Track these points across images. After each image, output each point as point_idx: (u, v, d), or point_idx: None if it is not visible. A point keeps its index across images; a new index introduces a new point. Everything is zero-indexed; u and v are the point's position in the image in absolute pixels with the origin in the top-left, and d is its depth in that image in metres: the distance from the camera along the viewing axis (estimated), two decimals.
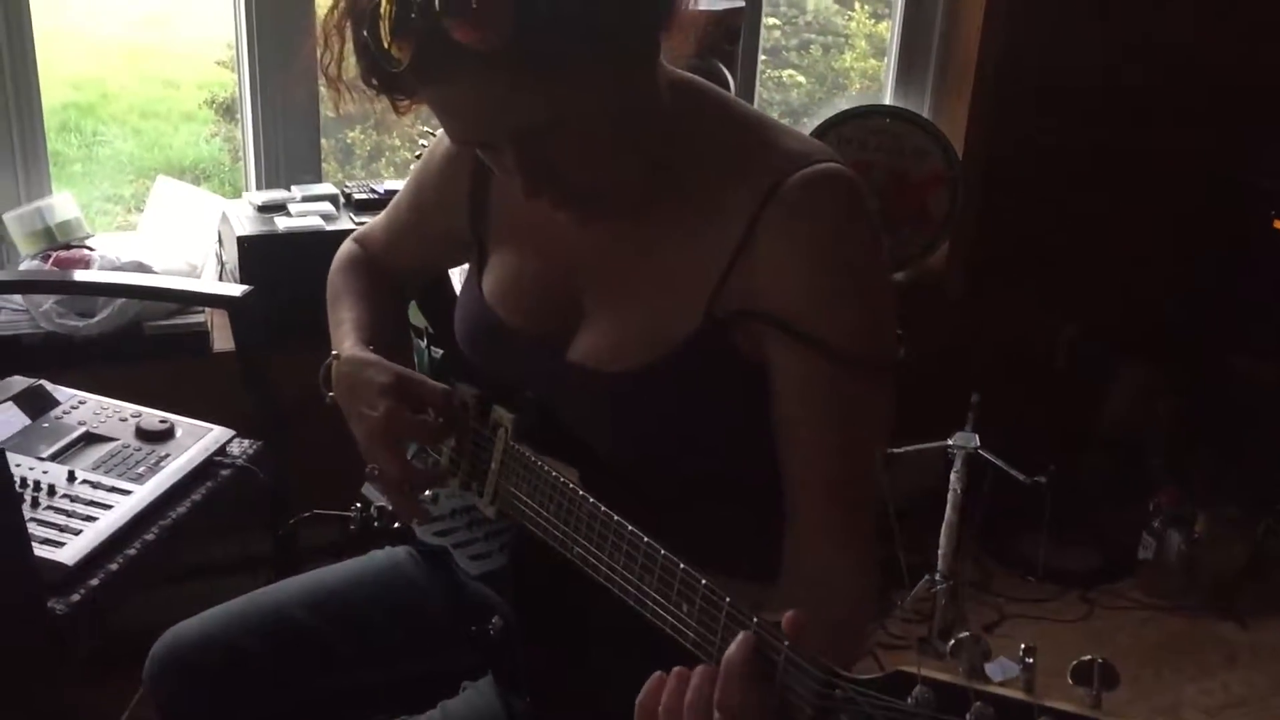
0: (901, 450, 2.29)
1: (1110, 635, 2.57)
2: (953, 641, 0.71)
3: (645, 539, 0.95)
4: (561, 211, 1.03)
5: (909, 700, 0.70)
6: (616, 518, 0.98)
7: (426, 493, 1.24)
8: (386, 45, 0.91)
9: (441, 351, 1.35)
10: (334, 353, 1.23)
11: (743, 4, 2.32)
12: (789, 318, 1.01)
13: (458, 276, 1.40)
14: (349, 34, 0.97)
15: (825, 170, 1.02)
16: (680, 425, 1.08)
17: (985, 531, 2.64)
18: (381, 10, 0.90)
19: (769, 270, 1.01)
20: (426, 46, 0.90)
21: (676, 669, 0.86)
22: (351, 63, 0.98)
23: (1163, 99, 2.77)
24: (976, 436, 2.35)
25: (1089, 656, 0.65)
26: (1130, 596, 2.69)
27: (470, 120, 0.98)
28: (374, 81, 0.96)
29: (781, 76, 3.12)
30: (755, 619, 0.83)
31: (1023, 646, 0.69)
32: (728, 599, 0.86)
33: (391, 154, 3.13)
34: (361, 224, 2.14)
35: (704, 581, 0.89)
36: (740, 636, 0.83)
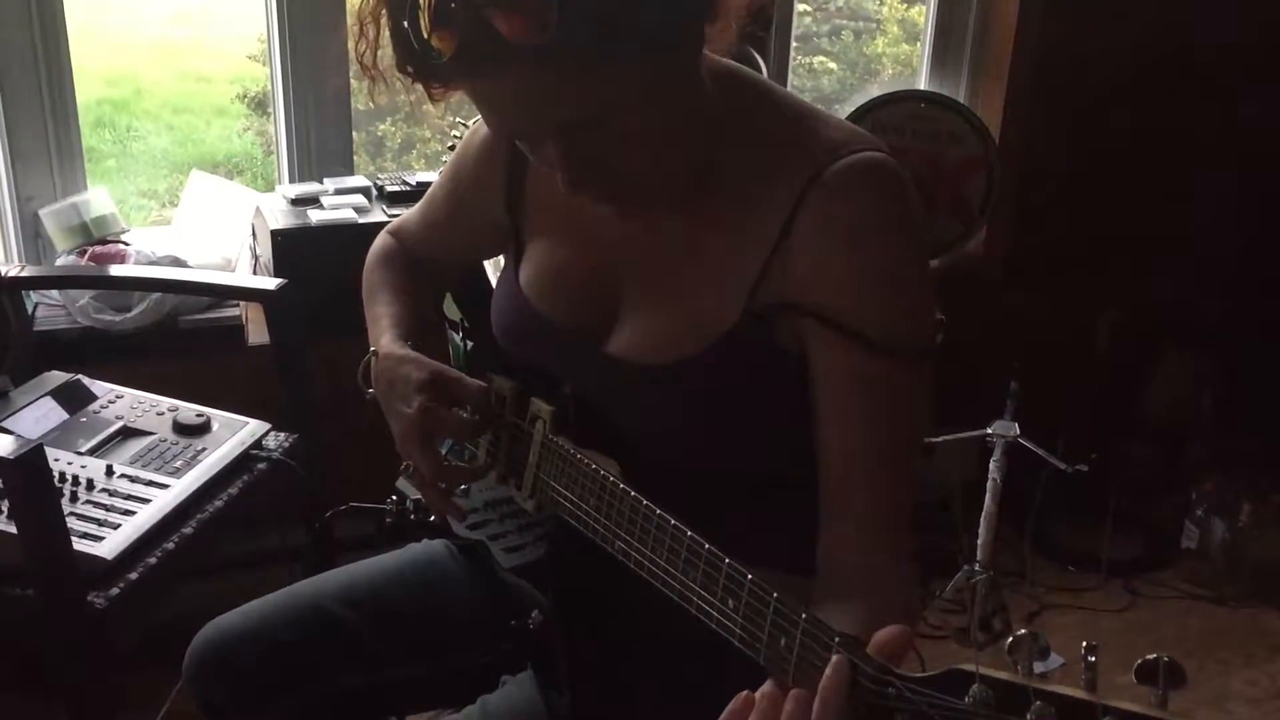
0: (940, 439, 2.26)
1: (1153, 625, 2.53)
2: (1010, 639, 0.69)
3: (689, 533, 0.93)
4: (603, 205, 1.02)
5: (966, 699, 0.68)
6: (659, 511, 0.96)
7: (461, 485, 1.23)
8: (427, 36, 0.90)
9: (475, 344, 1.34)
10: (372, 349, 1.22)
11: None
12: (828, 309, 0.99)
13: (492, 268, 1.39)
14: (385, 23, 0.95)
15: (864, 159, 1.00)
16: (720, 419, 1.06)
17: (1025, 520, 2.61)
18: (421, 1, 0.89)
19: (808, 261, 1.00)
20: (469, 38, 0.89)
21: (766, 690, 0.83)
22: (387, 51, 0.97)
23: (1205, 81, 2.73)
24: (1016, 425, 2.32)
25: (1154, 655, 0.63)
26: (1173, 586, 2.65)
27: (512, 113, 0.97)
28: (410, 70, 0.95)
29: (813, 63, 3.09)
30: (837, 638, 0.80)
31: (1084, 644, 0.67)
32: (775, 594, 0.85)
33: (423, 146, 3.12)
34: (394, 216, 2.14)
35: (750, 577, 0.87)
36: (835, 661, 0.79)
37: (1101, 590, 2.62)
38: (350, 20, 1.00)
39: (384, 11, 0.95)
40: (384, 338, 1.22)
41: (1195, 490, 2.69)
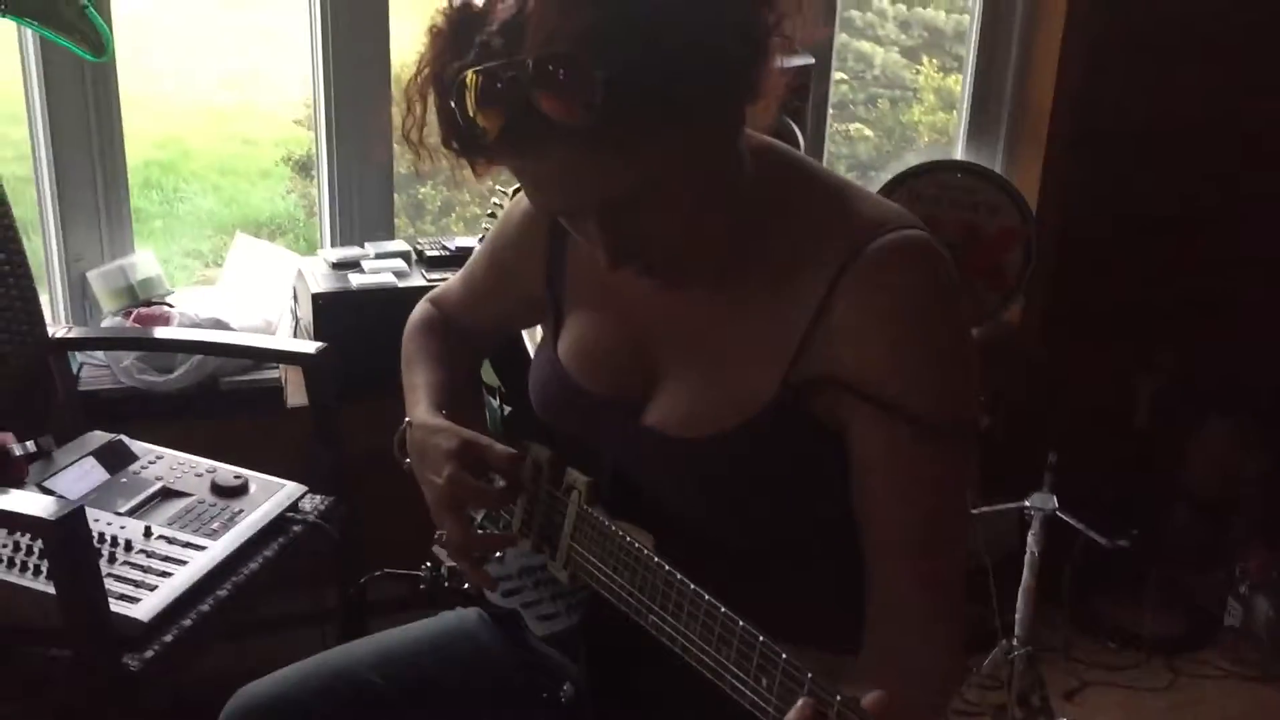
0: (977, 511, 2.24)
1: (1194, 705, 2.48)
2: None
3: (723, 609, 0.93)
4: (644, 279, 1.03)
5: None
6: (693, 586, 0.96)
7: (496, 553, 1.23)
8: (473, 115, 0.92)
9: (511, 409, 1.34)
10: (407, 419, 1.23)
11: (812, 60, 2.32)
12: (868, 386, 0.99)
13: (529, 336, 1.40)
14: (432, 99, 0.97)
15: (902, 238, 1.01)
16: (757, 493, 1.06)
17: (1065, 596, 2.57)
18: (468, 81, 0.91)
19: (847, 338, 1.00)
20: (514, 118, 0.90)
21: None
22: (432, 126, 0.98)
23: (1244, 148, 2.72)
24: (1054, 497, 2.29)
25: None
26: (1216, 665, 2.60)
27: (556, 191, 0.98)
28: (454, 146, 0.97)
29: (849, 130, 3.11)
30: (839, 696, 0.81)
31: None
32: (809, 674, 0.84)
33: (462, 209, 3.16)
34: (434, 280, 2.17)
35: (784, 656, 0.86)
36: (800, 702, 0.82)
37: (1142, 667, 2.57)
38: (396, 92, 1.02)
39: (431, 90, 0.97)
40: (419, 407, 1.23)
41: (1239, 566, 2.64)
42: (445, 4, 0.97)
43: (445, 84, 0.94)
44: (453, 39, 0.95)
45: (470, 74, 0.91)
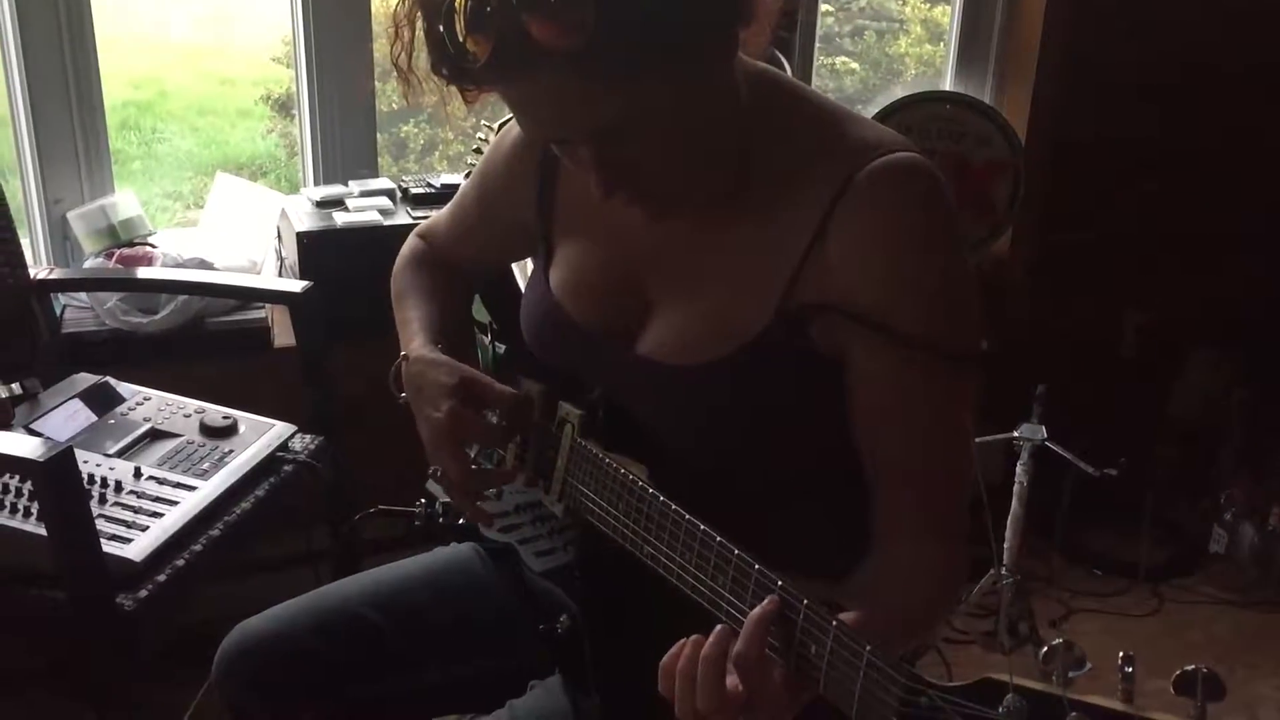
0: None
1: (1181, 630, 2.52)
2: (1045, 649, 0.68)
3: (718, 538, 0.93)
4: (637, 208, 1.02)
5: (1000, 709, 0.68)
6: (688, 516, 0.96)
7: (490, 490, 1.23)
8: (462, 40, 0.90)
9: (504, 347, 1.34)
10: (403, 353, 1.22)
11: None
12: (866, 310, 0.98)
13: (520, 271, 1.39)
14: (420, 26, 0.95)
15: (899, 160, 1.00)
16: (752, 420, 1.06)
17: (1052, 524, 2.60)
18: (458, 5, 0.89)
19: (844, 262, 0.99)
20: (504, 43, 0.88)
21: (696, 636, 0.88)
22: (421, 54, 0.96)
23: (1234, 79, 2.71)
24: (1043, 428, 2.31)
25: (1193, 666, 0.62)
26: (1201, 591, 2.63)
27: (547, 117, 0.97)
28: (444, 73, 0.95)
29: (835, 64, 3.08)
30: (836, 621, 0.81)
31: (1120, 654, 0.66)
32: (805, 600, 0.84)
33: (445, 147, 3.13)
34: (419, 218, 2.15)
35: (780, 583, 0.87)
36: (768, 598, 0.84)
37: (1129, 594, 2.61)
38: (384, 24, 1.00)
39: (419, 15, 0.95)
40: (414, 341, 1.22)
41: (1224, 494, 2.67)
42: None
43: (434, 8, 0.92)
44: None
45: None
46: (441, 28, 0.91)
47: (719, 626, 0.88)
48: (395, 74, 1.00)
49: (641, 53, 0.90)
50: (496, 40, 0.88)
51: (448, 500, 1.32)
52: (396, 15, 0.96)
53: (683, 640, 0.88)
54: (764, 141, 1.04)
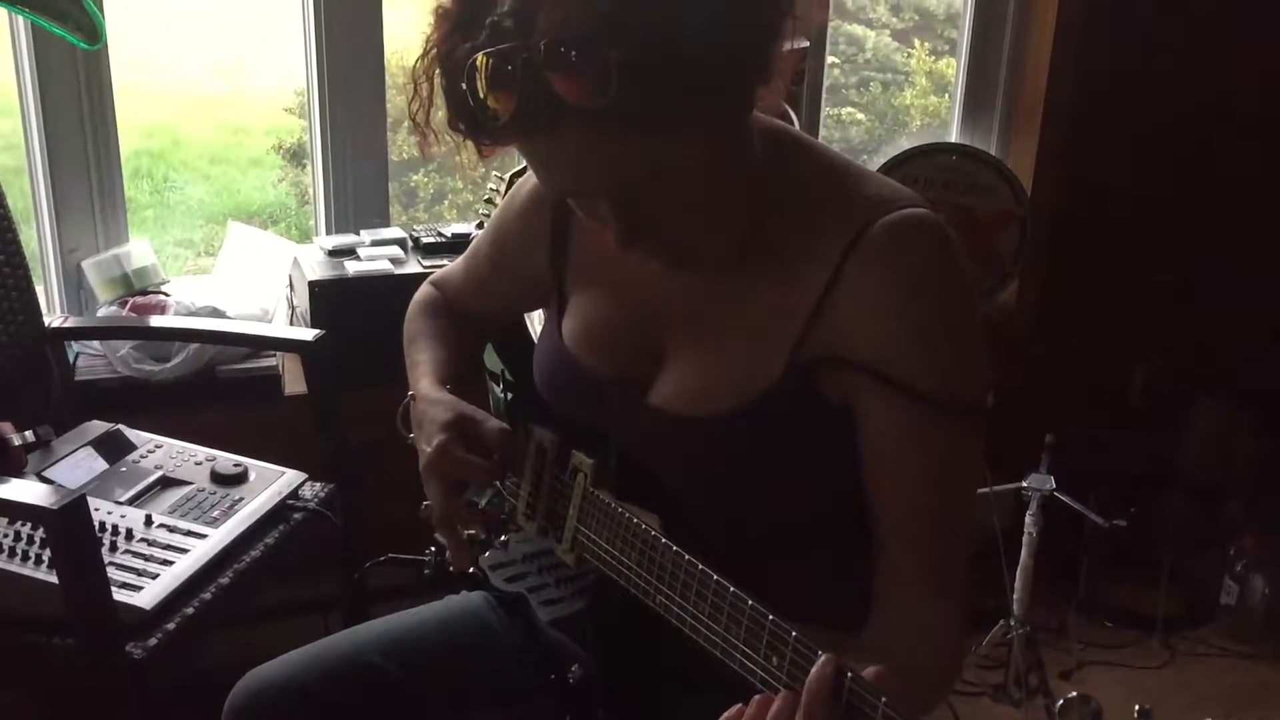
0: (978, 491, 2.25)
1: (1191, 683, 2.49)
2: (1061, 702, 0.68)
3: (731, 588, 0.93)
4: (654, 261, 1.03)
5: None
6: (701, 566, 0.96)
7: (500, 538, 1.23)
8: (483, 97, 0.91)
9: (513, 395, 1.34)
10: (410, 394, 1.23)
11: (808, 44, 2.32)
12: (876, 363, 0.99)
13: (533, 321, 1.40)
14: (439, 81, 0.97)
15: (909, 215, 1.01)
16: (765, 471, 1.06)
17: (1063, 575, 2.58)
18: (479, 63, 0.90)
19: (855, 316, 1.00)
20: (527, 100, 0.89)
21: (758, 697, 0.86)
22: (439, 107, 0.98)
23: (1240, 130, 2.73)
24: (1052, 478, 2.30)
25: (1205, 719, 0.62)
26: (1212, 643, 2.61)
27: (567, 173, 0.98)
28: (462, 127, 0.96)
29: (841, 114, 3.11)
30: (850, 674, 0.81)
31: (1136, 708, 0.66)
32: (820, 653, 0.84)
33: (455, 196, 3.16)
34: (430, 267, 2.17)
35: (794, 634, 0.87)
36: (822, 659, 0.82)
37: (1140, 646, 2.59)
38: (399, 76, 1.01)
39: (438, 71, 0.96)
40: (422, 381, 1.24)
41: (1234, 546, 2.66)
42: None
43: (454, 65, 0.93)
44: (461, 20, 0.94)
45: (481, 56, 0.90)
46: (463, 85, 0.92)
47: (783, 694, 0.85)
48: (410, 126, 1.02)
49: (662, 110, 0.91)
50: (519, 97, 0.90)
51: None
52: (415, 71, 0.98)
53: (736, 707, 0.87)
54: (778, 196, 1.05)
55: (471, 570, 1.32)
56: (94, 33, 1.85)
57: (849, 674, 0.82)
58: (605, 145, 0.93)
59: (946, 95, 2.91)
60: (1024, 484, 2.31)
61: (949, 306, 1.01)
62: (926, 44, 3.10)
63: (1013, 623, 2.30)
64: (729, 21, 0.91)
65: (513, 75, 0.89)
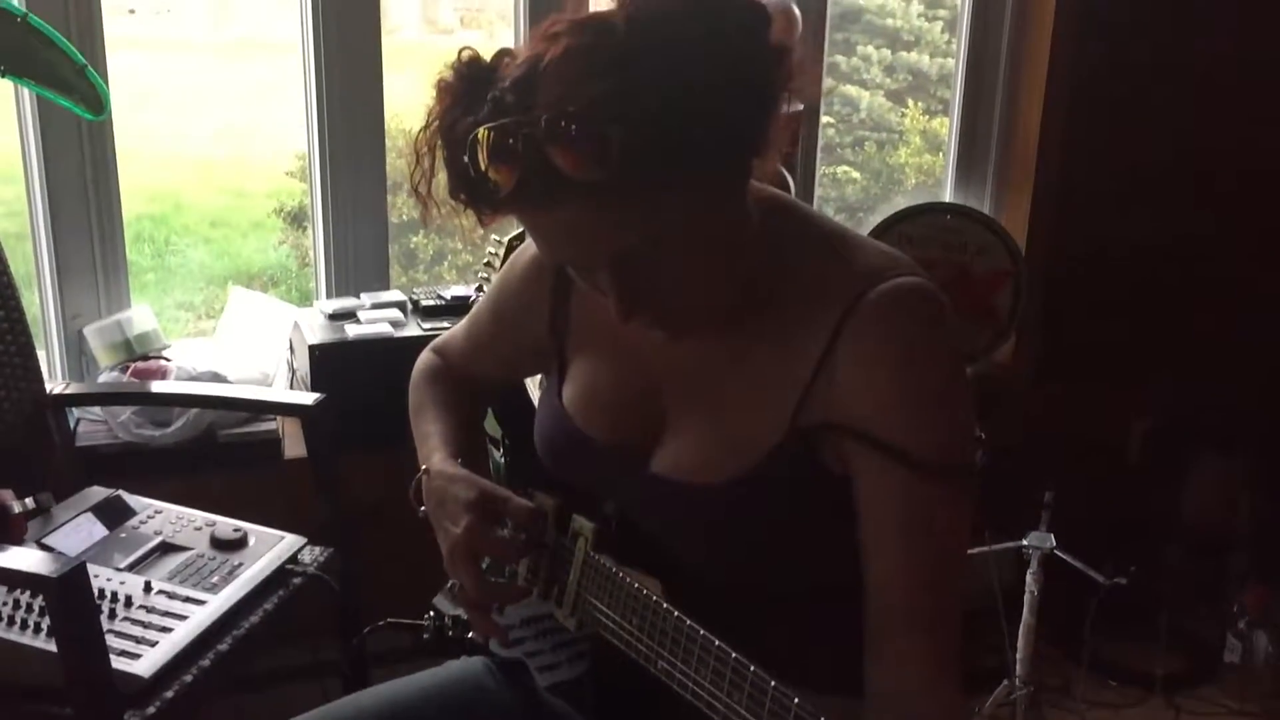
0: (976, 551, 2.24)
1: None
2: None
3: (733, 655, 0.93)
4: (654, 331, 1.04)
5: None
6: (703, 632, 0.96)
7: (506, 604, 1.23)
8: (484, 169, 0.93)
9: (512, 460, 1.35)
10: (424, 467, 1.23)
11: (802, 108, 2.35)
12: (870, 428, 1.00)
13: (533, 385, 1.41)
14: (440, 152, 0.98)
15: (904, 283, 1.02)
16: (765, 538, 1.07)
17: (1065, 634, 2.57)
18: (481, 137, 0.92)
19: (850, 383, 1.01)
20: (528, 173, 0.91)
21: None
22: (441, 178, 1.00)
23: (1232, 186, 2.76)
24: (1052, 536, 2.30)
25: None
26: (1218, 701, 2.59)
27: (568, 244, 1.00)
28: (463, 197, 0.98)
29: (837, 173, 3.15)
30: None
31: None
32: (821, 718, 0.84)
33: (454, 257, 3.18)
34: (430, 329, 2.18)
35: (796, 700, 0.87)
36: None
37: (1144, 705, 2.57)
38: (399, 141, 1.03)
39: (439, 143, 0.98)
40: (435, 455, 1.23)
41: (1237, 602, 2.65)
42: (453, 58, 0.99)
43: (456, 138, 0.95)
44: (463, 94, 0.96)
45: (483, 130, 0.92)
46: (465, 157, 0.94)
47: None
48: (411, 195, 1.03)
49: (661, 183, 0.93)
50: (520, 170, 0.91)
51: (457, 613, 1.32)
52: (418, 143, 1.00)
53: None
54: (775, 264, 1.07)
55: (471, 635, 1.32)
56: (98, 104, 1.88)
57: None
58: (604, 217, 0.94)
59: (941, 153, 2.94)
60: (1024, 542, 2.30)
61: (939, 373, 1.02)
62: (920, 104, 3.14)
63: (1016, 682, 2.28)
64: (726, 97, 0.93)
65: (514, 149, 0.91)
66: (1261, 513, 2.79)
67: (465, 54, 0.99)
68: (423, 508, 1.22)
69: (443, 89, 0.98)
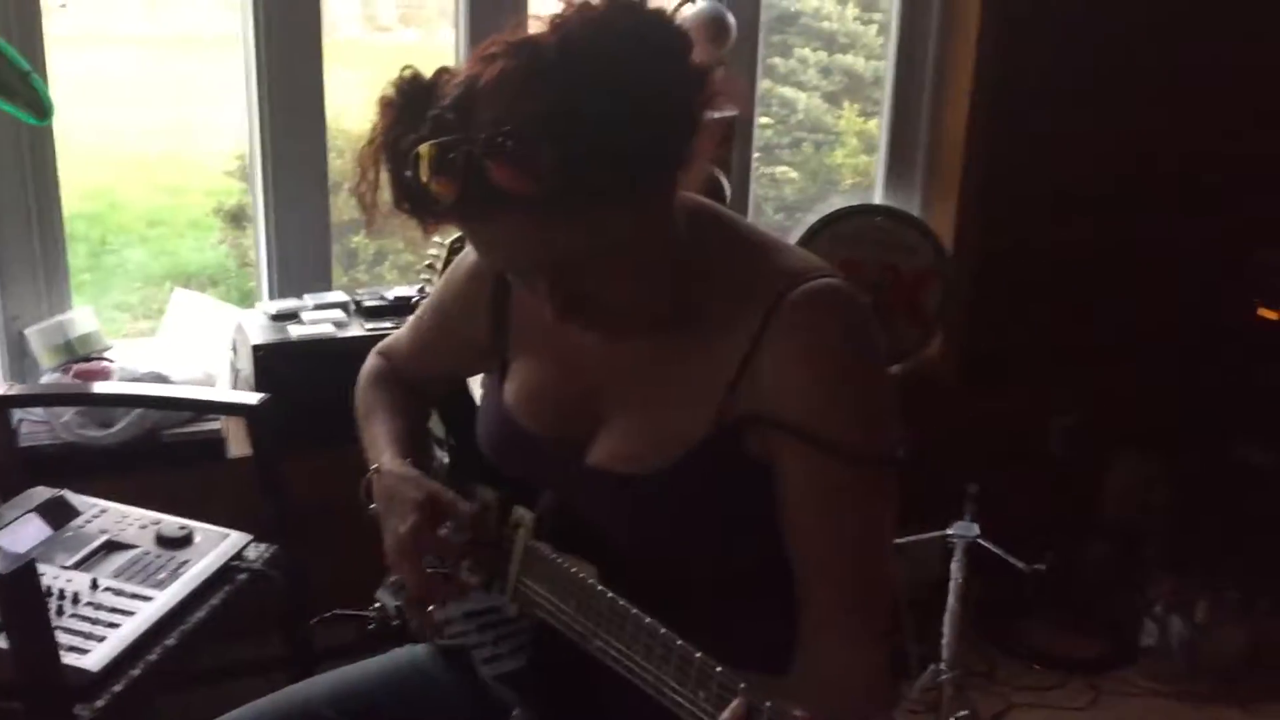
0: (902, 541, 2.32)
1: None
2: None
3: (662, 629, 1.00)
4: (590, 333, 1.10)
5: None
6: (634, 610, 1.03)
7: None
8: (426, 182, 0.98)
9: (452, 459, 1.40)
10: (374, 466, 1.28)
11: (736, 112, 2.41)
12: (792, 421, 1.07)
13: (477, 385, 1.46)
14: (384, 165, 1.04)
15: (822, 285, 1.10)
16: (695, 524, 1.13)
17: (988, 620, 2.66)
18: (422, 153, 0.98)
19: (773, 376, 1.08)
20: (467, 187, 0.97)
21: None
22: (384, 190, 1.05)
23: (1147, 191, 2.85)
24: (976, 526, 2.39)
25: None
26: (1135, 683, 2.70)
27: (506, 252, 1.06)
28: (406, 207, 1.03)
29: (775, 173, 3.20)
30: (769, 703, 0.87)
31: None
32: (741, 684, 0.91)
33: (395, 256, 3.19)
34: (373, 330, 2.21)
35: (719, 669, 0.93)
36: (735, 702, 0.88)
37: (1066, 688, 2.67)
38: (331, 144, 1.08)
39: (383, 157, 1.03)
40: (385, 455, 1.28)
41: (1153, 588, 2.75)
42: (395, 75, 1.04)
43: (399, 153, 1.00)
44: (405, 111, 1.02)
45: (425, 146, 0.97)
46: (408, 171, 0.99)
47: None
48: (353, 197, 1.08)
49: (594, 195, 0.99)
50: (460, 185, 0.97)
51: (399, 605, 1.36)
52: (362, 157, 1.05)
53: None
54: (701, 269, 1.13)
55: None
56: (42, 110, 1.88)
57: (768, 704, 0.88)
58: (541, 229, 1.00)
59: (876, 156, 3.01)
60: (949, 532, 2.39)
61: (859, 367, 1.09)
62: (855, 105, 3.21)
63: (942, 667, 2.37)
64: (652, 115, 0.99)
65: (454, 164, 0.96)
66: (1175, 504, 2.90)
67: (407, 72, 1.05)
68: (373, 505, 1.27)
69: (385, 105, 1.04)
